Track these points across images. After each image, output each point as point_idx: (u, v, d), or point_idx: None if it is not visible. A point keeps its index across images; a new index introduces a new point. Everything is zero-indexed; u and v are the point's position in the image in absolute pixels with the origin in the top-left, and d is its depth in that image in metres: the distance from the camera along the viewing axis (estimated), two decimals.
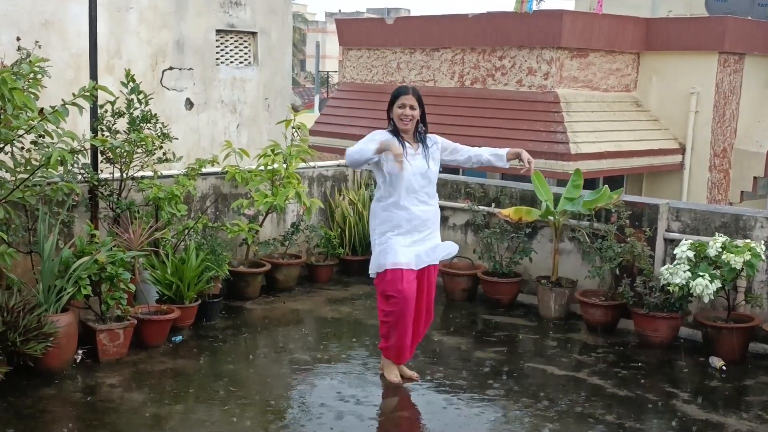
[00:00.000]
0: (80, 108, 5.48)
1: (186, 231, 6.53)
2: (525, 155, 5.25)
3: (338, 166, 8.34)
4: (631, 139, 14.65)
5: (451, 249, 5.38)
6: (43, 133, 5.32)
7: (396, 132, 5.05)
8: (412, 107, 5.00)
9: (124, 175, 6.37)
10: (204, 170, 6.91)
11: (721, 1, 18.78)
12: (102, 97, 6.09)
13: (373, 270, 5.14)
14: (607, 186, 6.81)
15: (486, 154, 5.34)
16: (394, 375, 5.27)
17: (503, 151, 5.33)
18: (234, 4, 8.65)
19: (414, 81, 16.25)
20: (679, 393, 5.28)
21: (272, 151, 7.22)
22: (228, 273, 6.58)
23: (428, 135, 5.18)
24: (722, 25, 14.97)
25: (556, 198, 6.91)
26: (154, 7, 7.97)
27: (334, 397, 5.08)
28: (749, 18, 17.55)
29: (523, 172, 5.26)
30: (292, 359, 5.72)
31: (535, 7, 13.85)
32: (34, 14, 7.13)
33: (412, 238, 5.09)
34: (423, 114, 5.09)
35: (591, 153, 13.80)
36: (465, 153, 5.33)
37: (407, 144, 5.05)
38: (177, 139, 6.79)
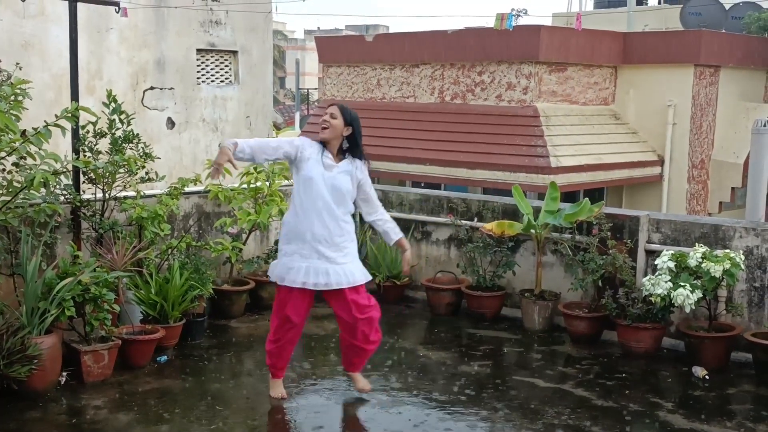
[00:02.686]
0: (62, 129, 5.48)
1: (169, 250, 6.52)
2: (407, 256, 5.24)
3: None
4: (610, 152, 14.79)
5: (349, 278, 5.01)
6: (25, 154, 5.31)
7: (323, 143, 5.01)
8: (332, 115, 4.93)
9: (107, 195, 6.36)
10: (187, 189, 6.90)
11: (695, 14, 19.05)
12: (83, 117, 6.09)
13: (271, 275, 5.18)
14: (587, 199, 6.88)
15: (386, 225, 5.19)
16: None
17: (396, 235, 5.19)
18: (214, 23, 8.68)
19: (394, 97, 16.34)
20: (663, 403, 5.32)
21: (255, 169, 7.24)
22: (212, 292, 6.57)
23: (355, 159, 5.02)
24: (697, 38, 15.19)
25: (537, 211, 6.97)
26: (134, 26, 7.98)
27: (321, 413, 5.08)
28: (723, 31, 17.82)
29: (404, 272, 5.44)
30: None
31: (513, 23, 14.00)
32: (14, 35, 7.13)
33: (316, 255, 4.94)
34: (355, 136, 4.98)
35: (571, 166, 13.91)
36: (372, 207, 5.15)
37: (329, 155, 4.97)
38: (159, 158, 6.79)
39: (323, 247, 4.94)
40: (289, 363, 5.36)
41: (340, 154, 5.03)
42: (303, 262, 4.96)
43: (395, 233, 5.22)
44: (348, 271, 5.02)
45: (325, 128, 4.95)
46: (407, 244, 5.32)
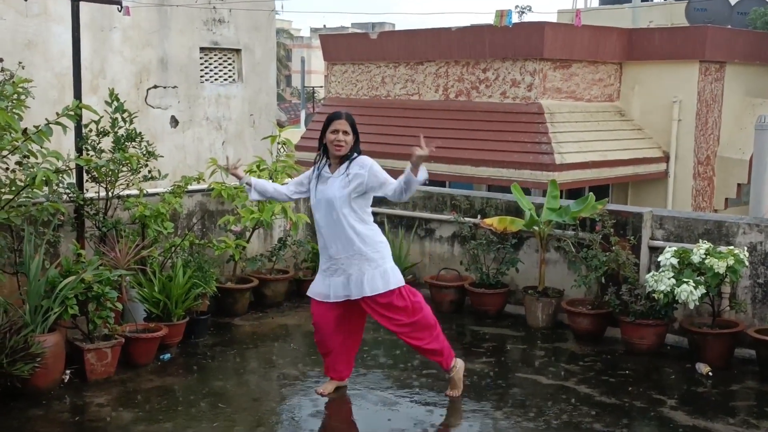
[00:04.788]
0: (64, 127, 5.49)
1: (173, 248, 6.53)
2: (416, 151, 4.70)
3: None
4: (615, 149, 14.77)
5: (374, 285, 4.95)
6: (27, 153, 5.32)
7: (326, 157, 5.04)
8: (345, 132, 4.92)
9: (110, 193, 6.37)
10: (190, 187, 6.91)
11: (701, 10, 19.00)
12: (86, 116, 6.11)
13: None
14: (592, 194, 6.86)
15: (400, 178, 4.88)
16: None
17: (407, 169, 4.81)
18: (217, 21, 8.68)
19: (399, 95, 16.33)
20: (667, 400, 5.31)
21: (258, 167, 7.24)
22: (216, 290, 6.58)
23: (359, 160, 4.96)
24: (702, 34, 15.15)
25: (539, 209, 6.96)
26: (137, 25, 7.99)
27: (324, 411, 5.08)
28: (729, 27, 17.76)
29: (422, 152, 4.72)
30: (281, 375, 5.72)
31: (516, 20, 13.99)
32: (17, 35, 7.14)
33: (332, 268, 5.02)
34: (357, 140, 5.01)
35: (576, 163, 13.89)
36: (392, 186, 4.92)
37: (325, 169, 4.99)
38: (162, 156, 6.80)
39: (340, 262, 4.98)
40: (343, 367, 5.38)
41: (343, 160, 4.99)
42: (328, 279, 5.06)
43: (405, 172, 4.80)
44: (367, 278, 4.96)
45: (340, 147, 4.93)
46: (413, 158, 4.74)
